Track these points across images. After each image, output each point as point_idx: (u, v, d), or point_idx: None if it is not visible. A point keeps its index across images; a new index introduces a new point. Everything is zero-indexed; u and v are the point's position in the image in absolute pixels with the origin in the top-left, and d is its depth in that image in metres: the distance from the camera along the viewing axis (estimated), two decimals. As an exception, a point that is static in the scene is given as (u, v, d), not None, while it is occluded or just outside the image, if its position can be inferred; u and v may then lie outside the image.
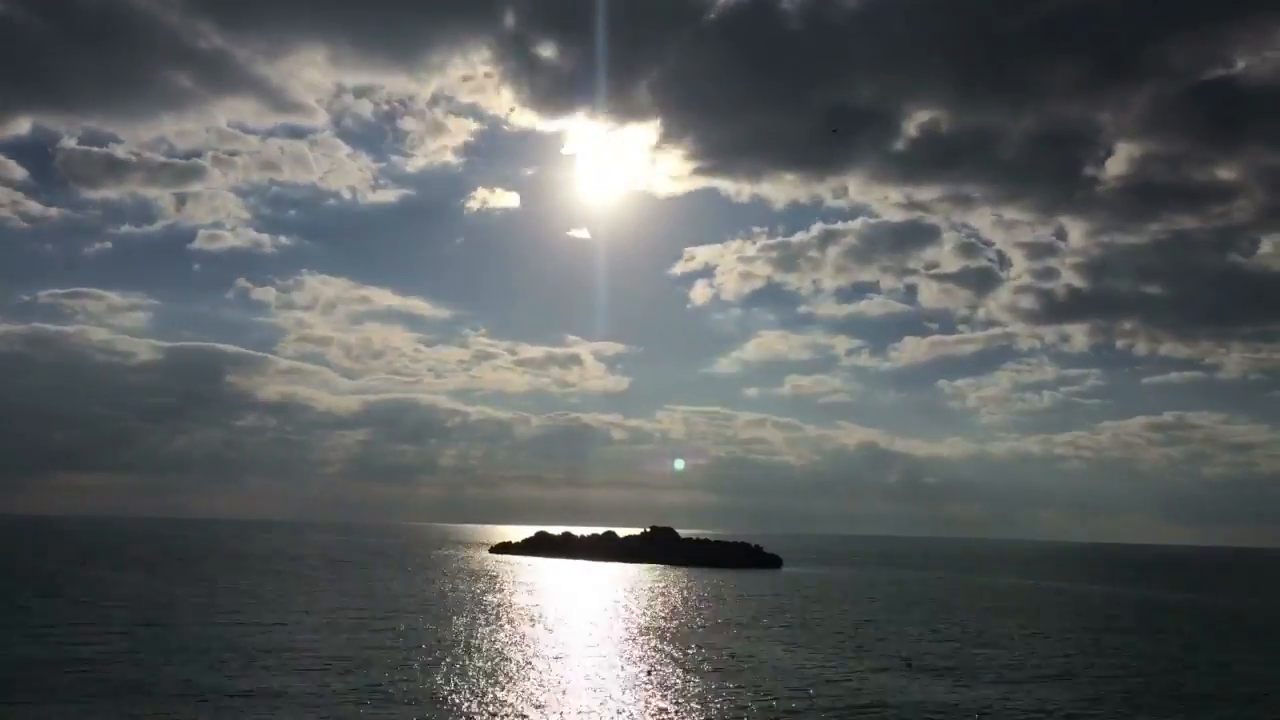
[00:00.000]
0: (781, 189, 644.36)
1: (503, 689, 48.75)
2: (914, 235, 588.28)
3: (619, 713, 44.43)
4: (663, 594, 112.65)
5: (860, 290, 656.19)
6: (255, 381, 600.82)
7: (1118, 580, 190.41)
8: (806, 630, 79.00)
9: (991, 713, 46.80)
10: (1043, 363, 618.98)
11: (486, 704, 45.19)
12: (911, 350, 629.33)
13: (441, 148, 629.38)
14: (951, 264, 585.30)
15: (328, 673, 51.65)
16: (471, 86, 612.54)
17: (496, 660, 57.79)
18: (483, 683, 50.31)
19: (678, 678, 53.60)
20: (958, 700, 49.45)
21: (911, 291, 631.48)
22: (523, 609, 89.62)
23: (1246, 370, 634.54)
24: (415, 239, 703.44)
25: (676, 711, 44.97)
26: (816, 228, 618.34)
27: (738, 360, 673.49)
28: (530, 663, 57.21)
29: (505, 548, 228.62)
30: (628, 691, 49.24)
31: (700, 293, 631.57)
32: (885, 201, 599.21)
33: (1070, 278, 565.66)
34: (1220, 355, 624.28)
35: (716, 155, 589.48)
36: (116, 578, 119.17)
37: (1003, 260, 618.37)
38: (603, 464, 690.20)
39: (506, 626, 74.96)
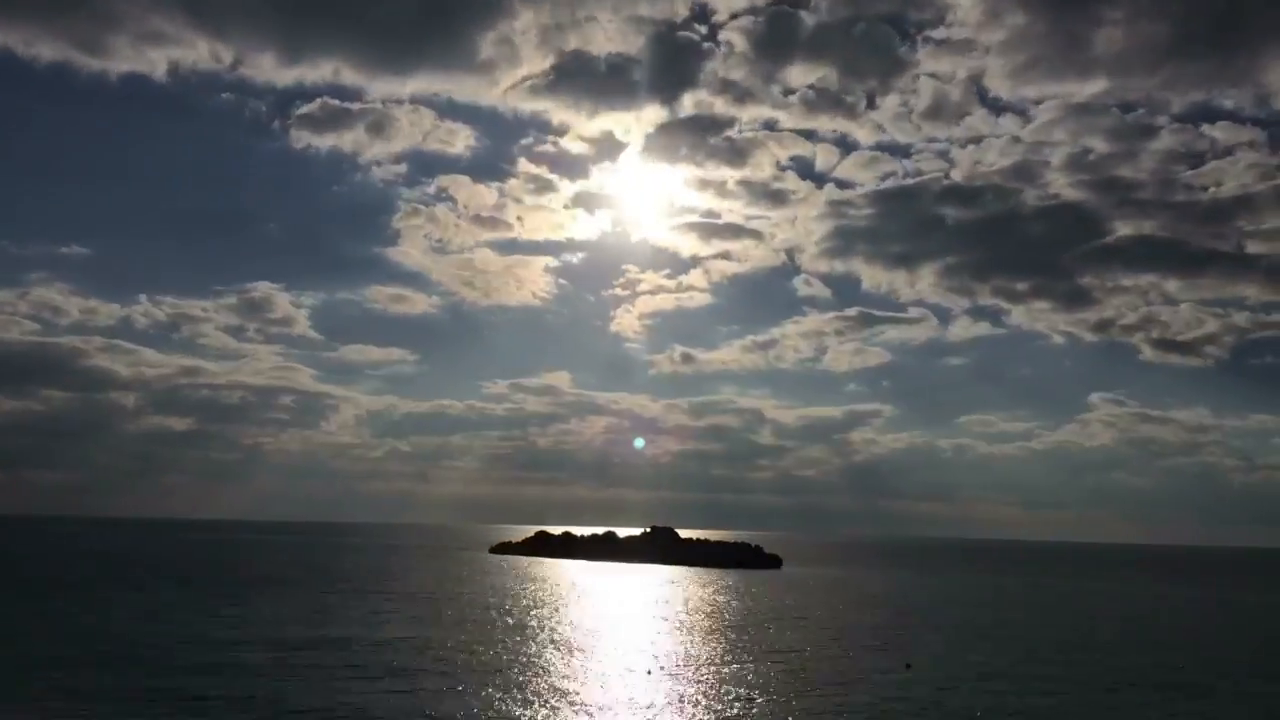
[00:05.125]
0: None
1: (504, 690, 49.35)
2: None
3: (622, 713, 45.05)
4: (668, 593, 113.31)
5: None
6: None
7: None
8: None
9: None
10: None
11: (488, 704, 45.79)
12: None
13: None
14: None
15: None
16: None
17: (495, 660, 58.40)
18: (484, 684, 50.92)
19: (686, 676, 54.25)
20: None
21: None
22: (527, 609, 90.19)
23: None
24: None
25: (681, 712, 45.60)
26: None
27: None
28: (535, 661, 57.92)
29: (506, 548, 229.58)
30: (630, 692, 49.85)
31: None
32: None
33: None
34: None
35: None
36: None
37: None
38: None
39: (513, 627, 75.56)
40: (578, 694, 48.54)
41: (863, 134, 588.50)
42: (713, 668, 58.00)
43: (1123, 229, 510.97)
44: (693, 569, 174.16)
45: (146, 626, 69.17)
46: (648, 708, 45.91)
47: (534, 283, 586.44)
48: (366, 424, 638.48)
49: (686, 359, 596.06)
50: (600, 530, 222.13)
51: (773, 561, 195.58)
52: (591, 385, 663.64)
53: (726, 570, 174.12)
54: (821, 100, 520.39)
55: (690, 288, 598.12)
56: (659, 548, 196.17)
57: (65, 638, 62.62)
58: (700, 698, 48.58)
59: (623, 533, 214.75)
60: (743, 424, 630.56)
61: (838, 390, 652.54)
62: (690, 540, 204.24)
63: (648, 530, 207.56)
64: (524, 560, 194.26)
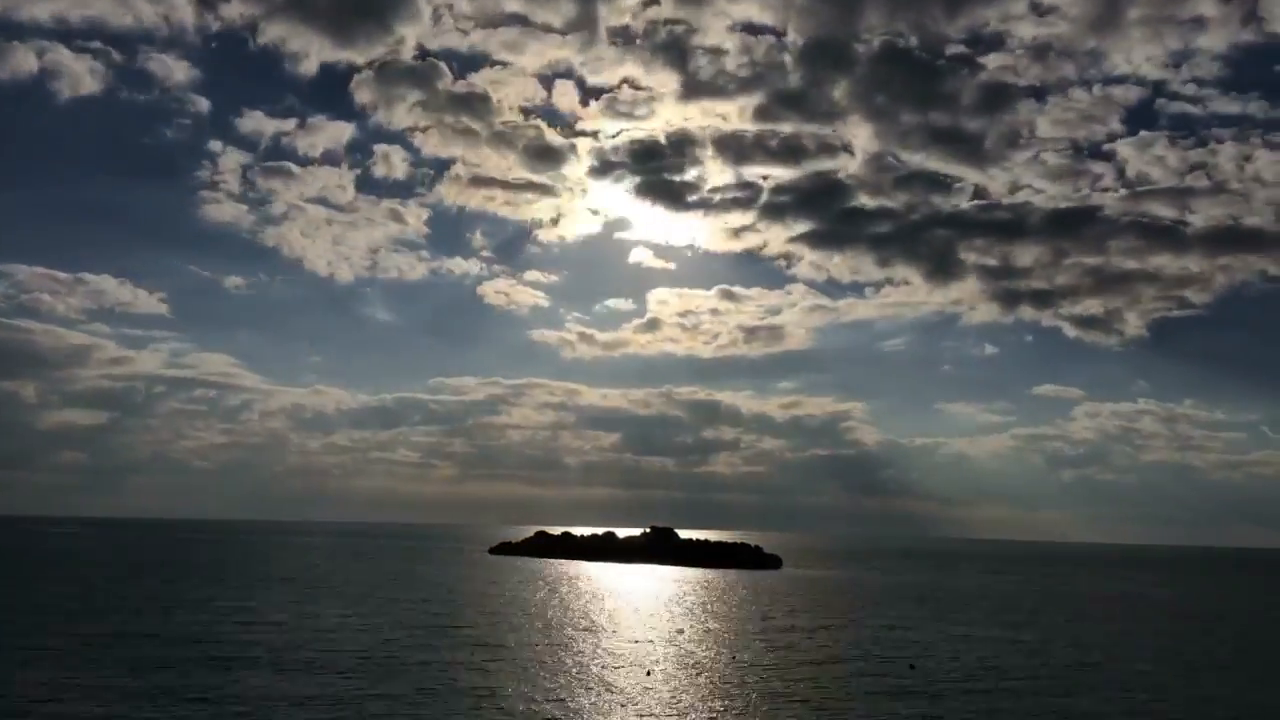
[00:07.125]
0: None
1: (505, 691, 49.09)
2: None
3: (622, 714, 44.75)
4: (668, 593, 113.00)
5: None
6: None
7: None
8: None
9: None
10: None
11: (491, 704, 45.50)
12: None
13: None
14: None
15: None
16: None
17: (496, 661, 58.13)
18: (491, 684, 50.64)
19: (686, 677, 53.97)
20: None
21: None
22: (527, 610, 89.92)
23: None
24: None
25: (682, 711, 45.31)
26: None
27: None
28: (536, 662, 57.61)
29: (505, 548, 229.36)
30: (630, 693, 49.55)
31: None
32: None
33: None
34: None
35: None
36: None
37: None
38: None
39: (516, 627, 75.27)
40: (578, 694, 48.24)
41: (596, 72, 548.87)
42: (713, 668, 57.66)
43: (964, 187, 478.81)
44: (692, 569, 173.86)
45: None
46: (648, 708, 45.63)
47: (383, 257, 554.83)
48: (289, 418, 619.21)
49: (585, 339, 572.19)
50: (599, 530, 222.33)
51: (773, 562, 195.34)
52: (512, 374, 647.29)
53: (726, 570, 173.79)
54: (534, 32, 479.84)
55: (526, 265, 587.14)
56: (658, 548, 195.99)
57: None
58: (701, 699, 48.25)
59: (622, 533, 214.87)
60: (693, 418, 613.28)
61: (762, 376, 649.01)
62: (689, 540, 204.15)
63: (647, 530, 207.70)
64: (522, 560, 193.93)
